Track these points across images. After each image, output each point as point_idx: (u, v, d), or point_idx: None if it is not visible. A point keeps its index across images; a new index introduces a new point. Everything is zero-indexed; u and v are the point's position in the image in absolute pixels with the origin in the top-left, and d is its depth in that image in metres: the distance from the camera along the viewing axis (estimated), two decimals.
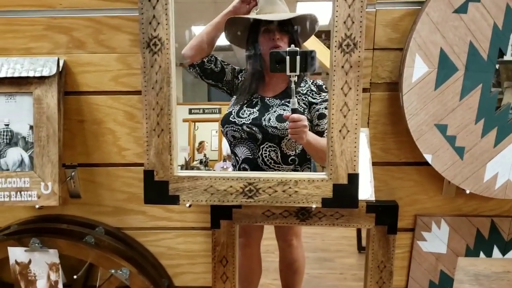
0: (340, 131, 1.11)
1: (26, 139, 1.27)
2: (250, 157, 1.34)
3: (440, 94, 1.17)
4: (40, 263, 1.36)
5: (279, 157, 1.32)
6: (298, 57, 1.16)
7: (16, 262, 1.36)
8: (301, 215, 1.26)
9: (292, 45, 1.18)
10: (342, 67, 1.08)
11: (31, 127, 1.26)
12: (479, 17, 1.13)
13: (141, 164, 1.19)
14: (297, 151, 1.33)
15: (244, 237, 1.47)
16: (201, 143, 1.60)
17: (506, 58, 1.17)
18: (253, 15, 1.28)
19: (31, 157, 1.27)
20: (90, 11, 1.27)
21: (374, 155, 1.31)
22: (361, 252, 2.15)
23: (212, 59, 1.35)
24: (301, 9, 1.35)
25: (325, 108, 1.30)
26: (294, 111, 1.19)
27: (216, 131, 1.59)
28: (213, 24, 1.30)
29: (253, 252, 1.64)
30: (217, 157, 1.59)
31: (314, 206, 1.16)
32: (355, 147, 1.12)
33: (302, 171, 1.36)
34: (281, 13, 1.28)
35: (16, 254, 1.35)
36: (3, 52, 1.30)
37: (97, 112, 1.34)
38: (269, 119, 1.30)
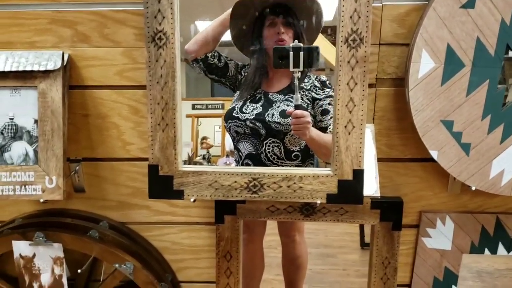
0: (345, 126, 1.11)
1: (31, 133, 1.27)
2: (253, 152, 1.34)
3: (447, 90, 1.16)
4: (45, 257, 1.36)
5: (283, 152, 1.32)
6: (301, 53, 1.15)
7: (21, 256, 1.36)
8: (306, 211, 1.26)
9: (296, 41, 1.17)
10: (348, 62, 1.08)
11: (35, 121, 1.26)
12: (486, 12, 1.12)
13: (146, 159, 1.19)
14: (300, 146, 1.33)
15: (247, 232, 1.46)
16: (204, 138, 1.60)
17: (511, 54, 1.16)
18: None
19: (35, 151, 1.27)
20: (95, 5, 1.26)
21: (380, 151, 1.30)
22: (364, 248, 2.14)
23: (215, 54, 1.35)
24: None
25: (329, 104, 1.30)
26: (297, 107, 1.19)
27: (219, 127, 1.59)
28: (219, 20, 1.30)
29: (256, 247, 1.65)
30: (220, 153, 1.59)
31: (319, 201, 1.16)
32: (360, 143, 1.11)
33: (305, 167, 1.36)
34: None
35: (21, 248, 1.35)
36: (7, 46, 1.30)
37: (101, 106, 1.34)
38: (273, 114, 1.29)
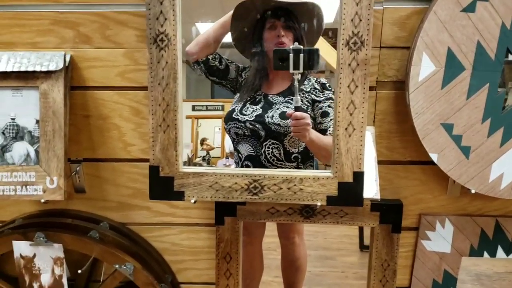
0: (346, 129, 1.11)
1: (32, 134, 1.27)
2: (253, 154, 1.34)
3: (447, 93, 1.17)
4: (45, 257, 1.36)
5: (282, 154, 1.32)
6: (301, 55, 1.15)
7: (21, 256, 1.36)
8: (306, 213, 1.26)
9: (296, 43, 1.18)
10: (349, 65, 1.08)
11: (37, 122, 1.27)
12: (487, 16, 1.12)
13: (146, 160, 1.20)
14: (300, 148, 1.33)
15: (246, 234, 1.47)
16: (203, 139, 1.60)
17: (511, 58, 1.17)
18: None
19: (37, 152, 1.27)
20: (97, 6, 1.27)
21: (380, 154, 1.30)
22: (363, 250, 2.15)
23: (216, 56, 1.35)
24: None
25: (329, 106, 1.30)
26: (297, 109, 1.19)
27: (219, 128, 1.60)
28: (220, 23, 1.31)
29: (255, 249, 1.65)
30: (219, 154, 1.59)
31: (319, 204, 1.16)
32: (360, 145, 1.12)
33: (305, 168, 1.36)
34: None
35: (21, 248, 1.35)
36: (9, 46, 1.30)
37: (103, 107, 1.34)
38: (272, 116, 1.30)
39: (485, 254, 1.35)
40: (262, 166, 1.33)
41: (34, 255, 1.36)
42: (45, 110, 1.25)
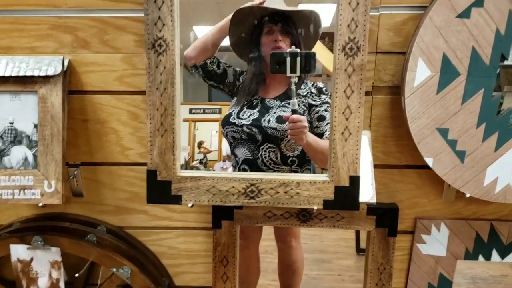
0: (342, 133, 1.12)
1: (30, 138, 1.28)
2: (250, 158, 1.35)
3: (442, 98, 1.18)
4: (42, 261, 1.36)
5: (279, 158, 1.33)
6: (298, 58, 1.16)
7: (18, 260, 1.36)
8: (302, 217, 1.27)
9: (293, 46, 1.19)
10: (345, 70, 1.09)
11: (35, 126, 1.27)
12: (482, 22, 1.14)
13: (144, 164, 1.20)
14: (296, 152, 1.34)
15: (243, 238, 1.47)
16: (200, 142, 1.61)
17: (507, 62, 1.18)
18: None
19: (35, 156, 1.27)
20: (95, 11, 1.27)
21: (376, 158, 1.31)
22: (359, 254, 2.16)
23: (214, 60, 1.36)
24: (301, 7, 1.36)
25: (325, 110, 1.31)
26: (294, 112, 1.20)
27: (216, 131, 1.60)
28: (218, 27, 1.32)
29: (252, 253, 1.65)
30: (216, 157, 1.59)
31: (315, 208, 1.17)
32: (357, 149, 1.13)
33: (302, 172, 1.37)
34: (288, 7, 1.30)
35: (18, 251, 1.35)
36: (8, 51, 1.31)
37: (100, 111, 1.35)
38: (269, 120, 1.31)
39: (480, 258, 1.36)
40: (259, 170, 1.34)
41: (32, 259, 1.36)
42: (44, 114, 1.25)
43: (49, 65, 1.25)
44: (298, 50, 1.17)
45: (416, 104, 1.18)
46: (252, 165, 1.35)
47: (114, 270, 1.34)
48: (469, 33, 1.14)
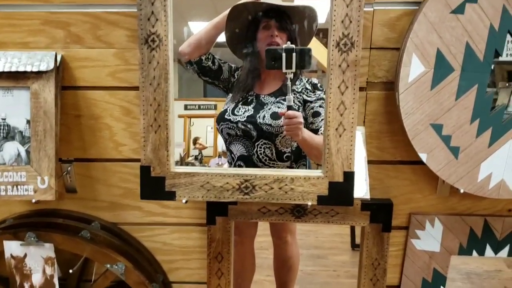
0: (336, 129, 1.12)
1: (23, 134, 1.27)
2: (245, 154, 1.34)
3: (436, 94, 1.18)
4: (36, 257, 1.36)
5: (274, 154, 1.33)
6: (294, 54, 1.16)
7: (12, 256, 1.36)
8: (297, 212, 1.27)
9: (288, 42, 1.18)
10: (339, 66, 1.09)
11: (28, 122, 1.26)
12: (476, 18, 1.13)
13: (138, 160, 1.20)
14: (292, 148, 1.34)
15: (237, 234, 1.47)
16: (195, 138, 1.60)
17: (502, 58, 1.18)
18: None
19: (27, 152, 1.27)
20: (88, 6, 1.27)
21: (370, 154, 1.31)
22: (354, 249, 2.16)
23: (209, 56, 1.35)
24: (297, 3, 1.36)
25: (320, 106, 1.31)
26: (289, 108, 1.20)
27: (212, 127, 1.60)
28: (214, 23, 1.31)
29: (246, 249, 1.65)
30: (212, 153, 1.59)
31: (309, 203, 1.17)
32: (351, 145, 1.13)
33: (298, 168, 1.37)
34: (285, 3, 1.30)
35: (12, 248, 1.35)
36: (0, 46, 1.30)
37: (94, 107, 1.34)
38: (264, 116, 1.30)
39: (474, 253, 1.37)
40: (255, 166, 1.34)
41: (25, 255, 1.36)
42: (36, 110, 1.25)
43: (42, 60, 1.24)
44: (293, 46, 1.17)
45: (410, 100, 1.18)
46: (247, 161, 1.35)
47: (108, 266, 1.34)
48: (463, 28, 1.14)
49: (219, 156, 1.56)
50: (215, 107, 1.54)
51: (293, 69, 1.17)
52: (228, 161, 1.40)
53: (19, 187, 1.26)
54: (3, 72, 1.24)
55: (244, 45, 1.35)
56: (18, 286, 1.39)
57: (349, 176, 1.14)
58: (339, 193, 1.16)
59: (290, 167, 1.35)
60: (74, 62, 1.31)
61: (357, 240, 2.12)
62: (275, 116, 1.30)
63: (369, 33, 1.24)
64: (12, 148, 1.27)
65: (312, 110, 1.32)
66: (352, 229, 2.14)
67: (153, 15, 1.10)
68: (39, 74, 1.24)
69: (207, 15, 1.35)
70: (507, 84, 1.23)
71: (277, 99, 1.33)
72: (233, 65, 1.39)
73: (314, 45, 1.32)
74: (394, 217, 1.30)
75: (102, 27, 1.28)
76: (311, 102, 1.32)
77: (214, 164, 1.58)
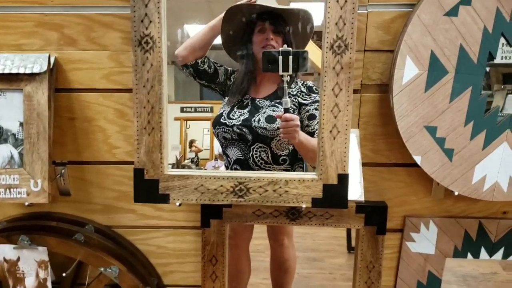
0: (330, 131, 1.12)
1: (16, 136, 1.26)
2: (241, 158, 1.34)
3: (430, 96, 1.18)
4: (29, 261, 1.35)
5: (270, 157, 1.33)
6: (290, 57, 1.16)
7: (5, 259, 1.35)
8: (291, 215, 1.26)
9: (285, 45, 1.18)
10: (333, 68, 1.09)
11: (21, 124, 1.25)
12: (469, 21, 1.14)
13: (132, 163, 1.19)
14: (287, 151, 1.33)
15: (233, 237, 1.47)
16: (192, 141, 1.60)
17: (496, 61, 1.18)
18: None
19: (21, 154, 1.26)
20: (82, 8, 1.26)
21: (364, 156, 1.31)
22: (351, 252, 2.15)
23: (205, 60, 1.35)
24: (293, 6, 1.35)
25: (315, 109, 1.31)
26: (286, 110, 1.20)
27: (208, 130, 1.59)
28: (210, 26, 1.31)
29: (241, 253, 1.64)
30: (208, 156, 1.59)
31: (304, 206, 1.16)
32: (345, 147, 1.12)
33: (294, 170, 1.37)
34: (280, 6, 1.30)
35: (5, 251, 1.34)
36: None
37: (88, 109, 1.33)
38: (259, 120, 1.30)
39: (469, 255, 1.36)
40: (251, 169, 1.33)
41: (18, 259, 1.35)
42: (29, 112, 1.24)
43: (35, 62, 1.24)
44: (290, 48, 1.16)
45: (404, 102, 1.18)
46: (243, 165, 1.34)
47: (102, 269, 1.33)
48: (457, 31, 1.14)
49: (216, 159, 1.55)
50: (212, 110, 1.54)
51: (290, 72, 1.17)
52: (225, 165, 1.40)
53: (12, 190, 1.25)
54: None
55: (239, 47, 1.34)
56: None
57: (343, 179, 1.14)
58: (333, 196, 1.15)
59: (287, 170, 1.35)
60: (67, 64, 1.30)
61: (353, 243, 2.12)
62: (270, 119, 1.29)
63: (363, 35, 1.24)
64: (5, 150, 1.26)
65: (307, 113, 1.32)
66: (349, 232, 2.13)
67: (147, 17, 1.09)
68: (32, 76, 1.24)
69: (203, 17, 1.35)
70: (502, 87, 1.23)
71: (272, 102, 1.33)
72: (229, 68, 1.39)
73: (310, 47, 1.32)
74: (389, 220, 1.30)
75: (96, 29, 1.27)
76: (306, 105, 1.32)
77: (210, 167, 1.58)
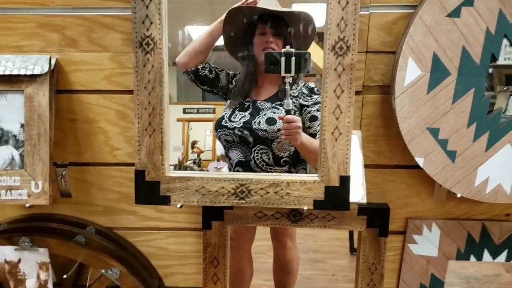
0: (332, 133, 1.11)
1: (17, 138, 1.26)
2: (243, 160, 1.34)
3: (433, 97, 1.17)
4: (30, 262, 1.35)
5: (271, 159, 1.32)
6: (293, 58, 1.16)
7: (6, 261, 1.35)
8: (293, 217, 1.26)
9: (287, 46, 1.18)
10: (335, 69, 1.08)
11: (22, 125, 1.25)
12: (472, 22, 1.13)
13: (133, 164, 1.19)
14: (289, 152, 1.33)
15: (235, 239, 1.47)
16: (194, 142, 1.60)
17: (499, 62, 1.17)
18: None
19: (21, 156, 1.26)
20: (83, 10, 1.26)
21: (366, 158, 1.31)
22: (353, 253, 2.15)
23: (206, 65, 1.35)
24: (294, 8, 1.35)
25: (317, 110, 1.30)
26: (288, 112, 1.19)
27: (210, 131, 1.59)
28: (208, 32, 1.31)
29: (243, 254, 1.64)
30: (210, 157, 1.59)
31: (305, 208, 1.16)
32: (347, 149, 1.12)
33: (297, 172, 1.36)
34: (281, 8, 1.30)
35: (6, 253, 1.34)
36: None
37: (89, 111, 1.33)
38: (259, 122, 1.30)
39: (472, 258, 1.36)
40: (252, 171, 1.33)
41: (19, 260, 1.35)
42: (30, 114, 1.24)
43: (36, 64, 1.24)
44: (292, 50, 1.16)
45: (406, 104, 1.18)
46: (245, 167, 1.34)
47: (103, 271, 1.33)
48: (459, 32, 1.14)
49: (218, 160, 1.55)
50: (214, 111, 1.54)
51: (292, 73, 1.17)
52: (228, 168, 1.40)
53: (13, 191, 1.25)
54: None
55: (240, 49, 1.34)
56: None
57: (345, 181, 1.13)
58: (335, 198, 1.15)
59: (289, 171, 1.35)
60: (68, 66, 1.30)
61: (356, 245, 2.12)
62: (270, 121, 1.29)
63: (365, 37, 1.23)
64: (6, 152, 1.26)
65: (309, 115, 1.31)
66: (351, 234, 2.13)
67: (148, 18, 1.09)
68: (33, 78, 1.24)
69: (204, 18, 1.34)
70: (505, 88, 1.22)
71: (273, 104, 1.33)
72: (230, 72, 1.39)
73: (313, 49, 1.31)
74: (391, 222, 1.29)
75: (97, 30, 1.27)
76: (307, 106, 1.32)
77: (212, 168, 1.58)
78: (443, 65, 1.15)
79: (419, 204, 1.35)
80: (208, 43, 1.33)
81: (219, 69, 1.37)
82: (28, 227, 1.37)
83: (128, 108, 1.32)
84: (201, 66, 1.34)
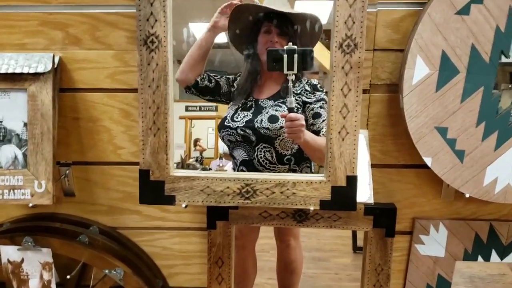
0: (339, 132, 1.10)
1: (20, 136, 1.25)
2: (247, 158, 1.33)
3: (441, 96, 1.16)
4: (33, 262, 1.34)
5: (274, 157, 1.31)
6: (295, 56, 1.14)
7: (9, 261, 1.34)
8: (298, 217, 1.25)
9: (290, 43, 1.16)
10: (342, 67, 1.07)
11: (25, 124, 1.24)
12: (481, 19, 1.11)
13: (137, 163, 1.18)
14: (292, 150, 1.32)
15: (239, 238, 1.46)
16: (196, 140, 1.59)
17: (503, 60, 1.15)
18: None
19: (24, 155, 1.25)
20: (86, 7, 1.25)
21: (373, 157, 1.29)
22: (356, 252, 2.14)
23: (204, 76, 1.35)
24: (300, 8, 1.34)
25: (320, 107, 1.29)
26: (291, 110, 1.18)
27: (213, 129, 1.59)
28: (197, 44, 1.31)
29: (247, 253, 1.64)
30: (213, 155, 1.58)
31: (312, 208, 1.15)
32: (354, 149, 1.10)
33: (301, 170, 1.35)
34: (287, 8, 1.29)
35: (9, 252, 1.33)
36: None
37: (92, 109, 1.32)
38: (261, 120, 1.29)
39: (479, 258, 1.34)
40: (256, 170, 1.32)
41: (22, 260, 1.34)
42: (33, 112, 1.23)
43: (39, 62, 1.23)
44: (295, 47, 1.14)
45: (414, 103, 1.16)
46: (249, 166, 1.33)
47: (107, 271, 1.32)
48: (469, 30, 1.12)
49: (220, 158, 1.54)
50: (216, 109, 1.53)
51: (295, 71, 1.15)
52: (232, 168, 1.39)
53: (16, 191, 1.24)
54: None
55: (245, 46, 1.33)
56: None
57: (352, 180, 1.12)
58: (342, 198, 1.13)
59: (293, 170, 1.33)
60: (72, 64, 1.29)
61: (359, 243, 2.11)
62: (272, 119, 1.28)
63: (373, 34, 1.22)
64: (9, 151, 1.25)
65: (312, 112, 1.30)
66: (354, 232, 2.12)
67: (152, 16, 1.08)
68: (36, 76, 1.23)
69: (208, 16, 1.33)
70: (509, 86, 1.20)
71: (276, 102, 1.32)
72: (230, 77, 1.39)
73: (316, 46, 1.30)
74: (398, 222, 1.29)
75: (101, 28, 1.26)
76: (310, 103, 1.31)
77: (215, 166, 1.57)
78: (452, 63, 1.14)
79: (426, 204, 1.34)
80: (200, 55, 1.32)
81: (218, 76, 1.37)
82: (31, 227, 1.36)
83: (132, 107, 1.31)
84: (199, 78, 1.34)
